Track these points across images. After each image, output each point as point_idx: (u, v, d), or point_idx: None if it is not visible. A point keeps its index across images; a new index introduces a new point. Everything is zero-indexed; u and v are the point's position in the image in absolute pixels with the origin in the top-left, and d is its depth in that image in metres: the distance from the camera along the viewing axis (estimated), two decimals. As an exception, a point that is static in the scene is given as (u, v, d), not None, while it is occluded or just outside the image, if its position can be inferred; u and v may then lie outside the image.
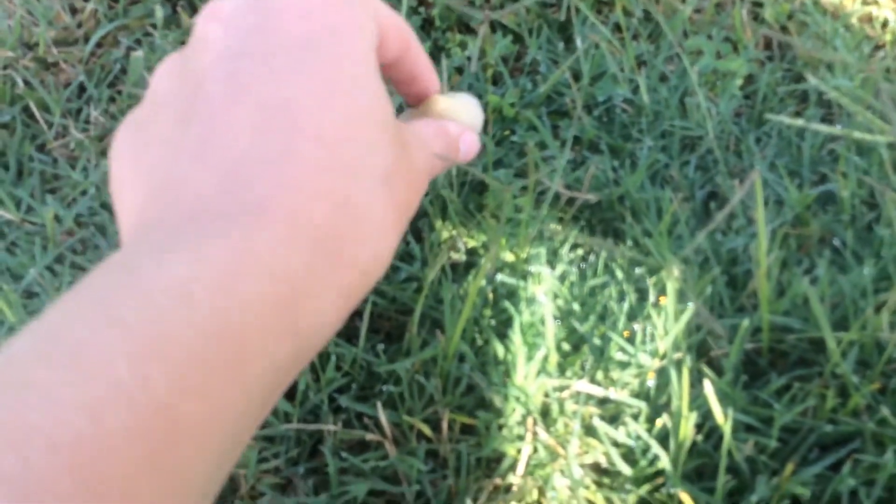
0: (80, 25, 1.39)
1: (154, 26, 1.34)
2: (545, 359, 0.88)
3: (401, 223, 0.39)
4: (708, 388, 0.78)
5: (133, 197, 0.35)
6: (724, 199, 1.06)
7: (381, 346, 0.91)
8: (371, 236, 0.36)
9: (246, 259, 0.30)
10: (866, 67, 1.17)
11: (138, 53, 1.26)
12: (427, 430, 0.86)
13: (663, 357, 0.86)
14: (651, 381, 0.86)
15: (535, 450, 0.85)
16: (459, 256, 1.01)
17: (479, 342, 0.93)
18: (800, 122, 0.89)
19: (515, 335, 0.89)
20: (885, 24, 1.25)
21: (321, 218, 0.34)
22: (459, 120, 1.00)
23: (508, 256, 1.00)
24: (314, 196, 0.34)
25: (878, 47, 1.23)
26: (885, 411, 0.81)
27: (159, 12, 1.32)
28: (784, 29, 1.27)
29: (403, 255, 1.02)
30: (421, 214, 1.07)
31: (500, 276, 0.96)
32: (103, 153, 1.21)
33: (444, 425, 0.87)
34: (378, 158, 0.37)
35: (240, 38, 0.36)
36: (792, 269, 0.95)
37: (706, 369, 0.84)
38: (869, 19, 1.26)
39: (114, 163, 0.38)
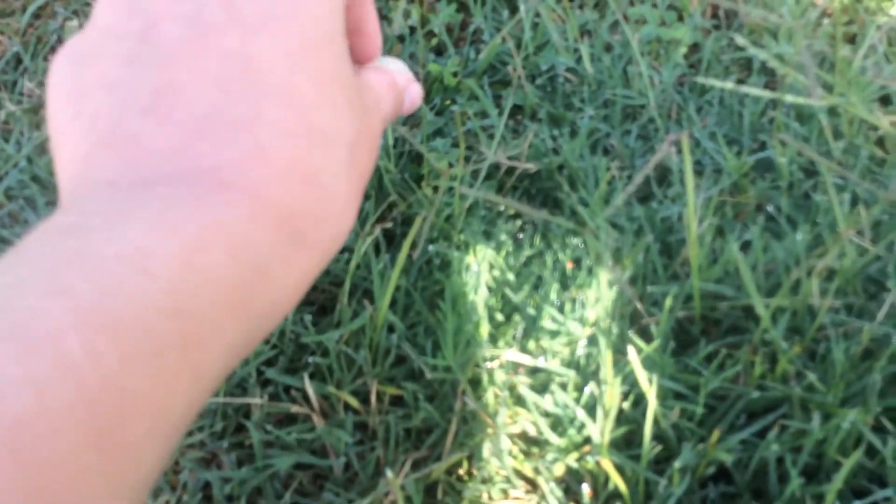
0: (16, -4, 1.36)
1: (91, -4, 1.30)
2: (476, 328, 0.87)
3: (360, 195, 0.37)
4: (632, 354, 0.77)
5: (74, 147, 0.32)
6: (665, 167, 1.05)
7: (308, 318, 0.89)
8: (335, 214, 0.34)
9: (209, 234, 0.29)
10: (810, 34, 1.16)
11: (74, 23, 1.23)
12: (355, 403, 0.85)
13: (593, 325, 0.85)
14: (581, 350, 0.85)
15: (465, 420, 0.84)
16: (395, 228, 1.00)
17: (411, 314, 0.91)
18: (730, 85, 0.88)
19: (447, 305, 0.87)
20: (832, -8, 1.24)
21: (288, 195, 0.32)
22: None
23: (444, 227, 0.98)
24: (282, 169, 0.32)
25: (824, 14, 1.22)
26: (812, 377, 0.80)
27: (96, -18, 1.29)
28: (731, -3, 1.26)
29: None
30: (357, 185, 1.05)
31: (432, 247, 0.95)
32: (38, 126, 1.18)
33: (373, 397, 0.85)
34: (344, 125, 0.35)
35: None
36: (727, 236, 0.94)
37: (634, 337, 0.83)
38: (816, -13, 1.25)
39: (52, 100, 0.34)
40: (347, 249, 0.97)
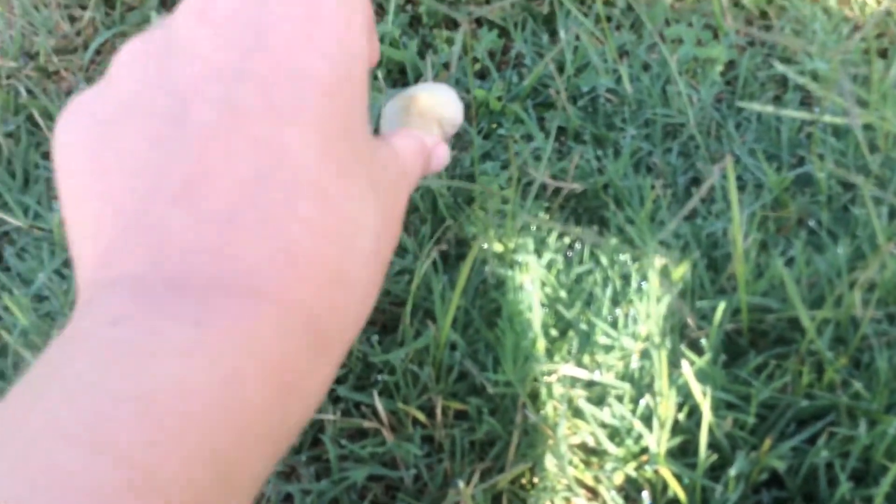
0: (78, 34, 1.43)
1: (150, 33, 1.37)
2: (533, 345, 0.92)
3: (382, 278, 0.36)
4: (686, 368, 0.82)
5: (97, 229, 0.30)
6: (707, 190, 1.09)
7: (375, 338, 0.95)
8: (356, 304, 0.33)
9: (244, 361, 0.27)
10: (844, 49, 1.20)
11: (135, 60, 1.30)
12: (422, 417, 0.90)
13: (645, 340, 0.90)
14: (635, 364, 0.90)
15: (526, 432, 0.89)
16: (449, 248, 1.05)
17: (470, 331, 0.97)
18: (770, 108, 0.92)
19: (504, 323, 0.93)
20: (863, 7, 1.28)
21: (316, 296, 0.30)
22: (442, 116, 1.03)
23: (497, 247, 1.04)
24: (312, 271, 0.30)
25: (856, 28, 1.25)
26: (858, 385, 0.84)
27: (155, 18, 1.36)
28: (764, 14, 1.30)
29: (398, 248, 1.06)
30: (412, 209, 1.10)
31: (488, 267, 1.00)
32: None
33: (438, 411, 0.91)
34: (371, 214, 0.34)
35: (237, 58, 0.31)
36: (770, 251, 0.98)
37: (686, 350, 0.88)
38: (847, 1, 1.28)
39: (66, 168, 0.32)
40: (407, 271, 1.03)
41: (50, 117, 1.32)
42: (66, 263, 1.10)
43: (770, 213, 1.04)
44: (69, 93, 1.36)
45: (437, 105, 1.10)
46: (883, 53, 1.21)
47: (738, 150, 1.11)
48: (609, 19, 1.29)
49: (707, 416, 0.81)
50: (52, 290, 1.05)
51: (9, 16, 1.46)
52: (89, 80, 1.36)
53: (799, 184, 1.07)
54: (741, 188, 1.07)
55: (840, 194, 1.04)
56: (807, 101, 1.18)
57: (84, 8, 1.43)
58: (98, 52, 1.42)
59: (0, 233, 1.18)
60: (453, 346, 0.94)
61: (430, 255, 1.01)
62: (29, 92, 1.34)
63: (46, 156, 1.29)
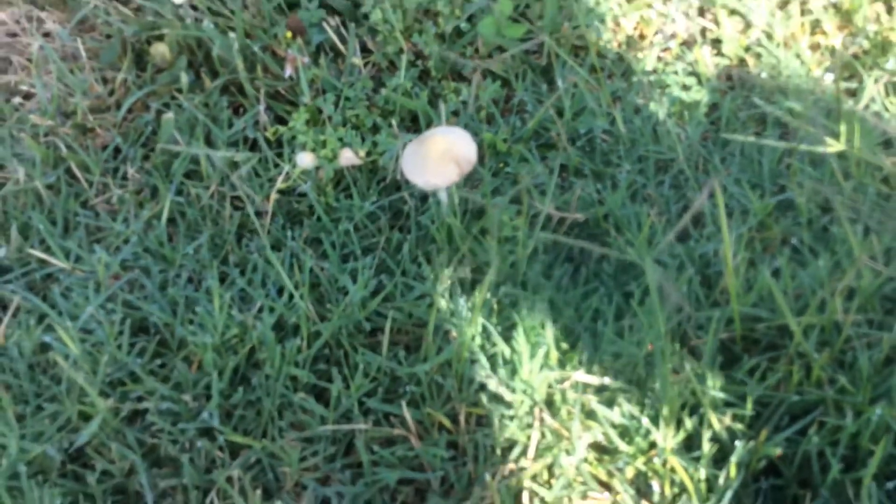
0: (111, 94, 1.55)
1: (180, 91, 1.49)
2: (546, 355, 1.01)
3: None
4: (688, 369, 0.91)
5: None
6: (698, 212, 1.20)
7: (402, 354, 1.04)
8: None
9: None
10: (816, 89, 1.32)
11: (169, 115, 1.41)
12: (447, 423, 0.98)
13: (649, 347, 0.99)
14: (641, 369, 0.99)
15: (543, 435, 0.97)
16: (465, 274, 1.15)
17: (488, 347, 1.05)
18: (751, 139, 1.03)
19: (520, 336, 1.02)
20: (832, 52, 1.41)
21: None
22: (459, 155, 1.15)
23: (509, 272, 1.13)
24: None
25: (827, 70, 1.38)
26: (843, 381, 0.93)
27: (184, 78, 1.48)
28: (742, 61, 1.42)
29: (416, 276, 1.15)
30: (430, 240, 1.20)
31: (502, 289, 1.09)
32: (141, 205, 1.35)
33: (462, 418, 0.99)
34: None
35: None
36: (758, 266, 1.08)
37: (686, 355, 0.97)
38: (818, 47, 1.42)
39: None
40: (427, 295, 1.12)
41: (87, 169, 1.43)
42: (111, 299, 1.19)
43: (756, 235, 1.14)
44: (104, 147, 1.47)
45: (453, 145, 1.23)
46: (853, 94, 1.33)
47: (724, 182, 1.21)
48: (602, 69, 1.42)
49: (708, 411, 0.90)
50: (99, 322, 1.14)
51: (46, 79, 1.57)
52: (124, 136, 1.46)
53: (781, 209, 1.18)
54: (729, 214, 1.17)
55: (819, 216, 1.15)
56: (784, 138, 1.29)
57: (117, 70, 1.55)
58: (130, 110, 1.53)
59: (44, 275, 1.27)
60: (473, 360, 1.02)
61: (448, 281, 1.11)
62: (68, 147, 1.45)
63: (84, 205, 1.39)
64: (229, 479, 0.97)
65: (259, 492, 0.94)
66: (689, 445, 0.94)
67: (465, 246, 1.13)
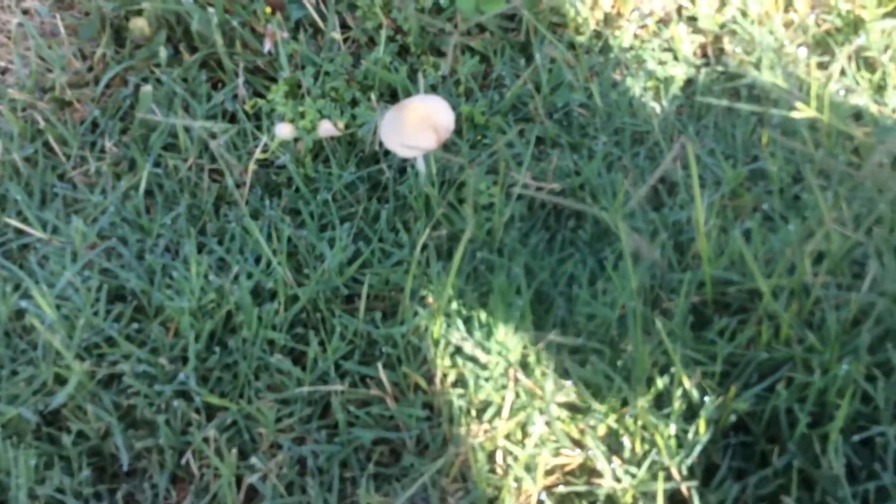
0: (90, 69, 1.54)
1: (158, 65, 1.49)
2: (522, 317, 1.02)
3: None
4: (658, 325, 0.92)
5: None
6: (672, 181, 1.21)
7: (379, 318, 1.04)
8: None
9: None
10: (789, 64, 1.34)
11: (147, 87, 1.41)
12: (423, 384, 0.99)
13: (622, 308, 1.00)
14: (614, 330, 1.00)
15: (517, 395, 0.98)
16: (442, 243, 1.16)
17: (464, 310, 1.06)
18: (724, 102, 1.05)
19: (496, 299, 1.03)
20: (806, 29, 1.43)
21: None
22: (438, 122, 1.15)
23: (486, 239, 1.14)
24: None
25: (800, 46, 1.40)
26: (812, 338, 0.95)
27: (163, 53, 1.48)
28: (717, 38, 1.44)
29: (394, 243, 1.16)
30: (408, 209, 1.21)
31: (479, 254, 1.10)
32: (118, 177, 1.35)
33: (438, 379, 1.00)
34: None
35: None
36: (730, 233, 1.10)
37: (659, 316, 0.98)
38: (791, 23, 1.44)
39: None
40: (405, 262, 1.12)
41: (65, 143, 1.42)
42: (88, 266, 1.19)
43: (728, 203, 1.16)
44: (82, 122, 1.46)
45: (432, 112, 1.24)
46: (824, 67, 1.35)
47: (698, 152, 1.23)
48: (579, 46, 1.43)
49: (678, 367, 0.91)
50: (76, 288, 1.14)
51: (24, 54, 1.57)
52: (102, 110, 1.46)
53: (753, 178, 1.19)
54: (702, 184, 1.19)
55: (790, 186, 1.17)
56: (757, 113, 1.31)
57: (96, 45, 1.54)
58: (108, 85, 1.53)
59: (21, 245, 1.27)
60: (449, 322, 1.03)
61: (424, 244, 1.12)
62: (46, 121, 1.44)
63: (62, 177, 1.38)
64: (205, 440, 0.97)
65: (235, 451, 0.95)
66: (661, 404, 0.95)
67: (439, 210, 1.14)
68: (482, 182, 1.20)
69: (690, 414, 0.94)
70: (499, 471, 0.95)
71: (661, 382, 0.95)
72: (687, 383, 0.93)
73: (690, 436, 0.91)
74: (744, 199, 1.16)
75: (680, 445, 0.91)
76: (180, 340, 1.06)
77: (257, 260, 1.16)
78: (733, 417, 0.92)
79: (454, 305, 1.05)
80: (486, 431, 0.97)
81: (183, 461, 0.97)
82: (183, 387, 1.01)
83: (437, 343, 1.02)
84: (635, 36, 1.46)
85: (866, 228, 1.07)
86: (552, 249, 1.13)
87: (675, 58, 1.41)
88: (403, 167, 1.28)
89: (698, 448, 0.90)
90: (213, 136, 1.35)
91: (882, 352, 0.93)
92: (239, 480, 0.95)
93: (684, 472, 0.89)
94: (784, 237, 1.06)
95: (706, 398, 0.91)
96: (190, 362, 1.03)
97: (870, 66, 1.35)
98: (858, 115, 1.27)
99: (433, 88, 1.39)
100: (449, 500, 0.92)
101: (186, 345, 1.05)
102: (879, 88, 1.31)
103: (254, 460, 0.94)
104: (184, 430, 1.00)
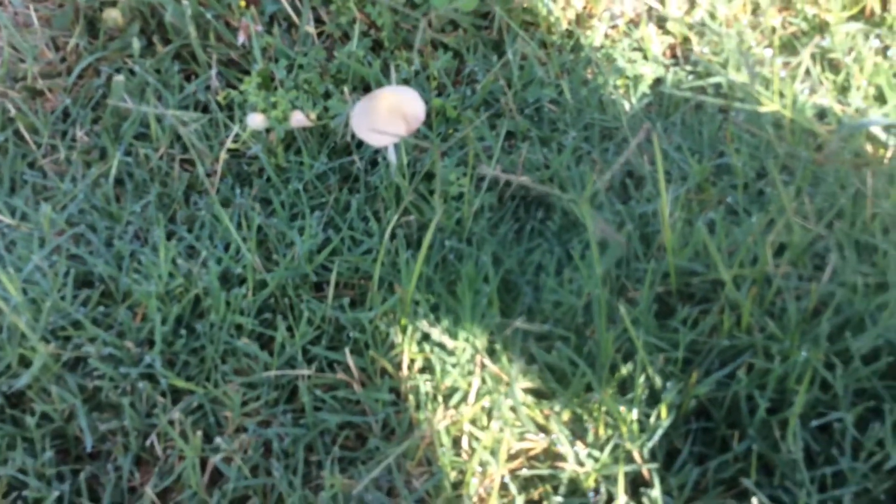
0: (63, 60, 1.54)
1: (131, 56, 1.49)
2: (489, 304, 1.03)
3: None
4: (623, 311, 0.93)
5: None
6: (639, 176, 1.23)
7: (346, 301, 1.05)
8: None
9: None
10: (755, 64, 1.37)
11: (119, 77, 1.41)
12: (390, 368, 1.00)
13: (587, 296, 1.02)
14: (580, 318, 1.01)
15: (484, 381, 0.99)
16: (412, 232, 1.16)
17: (434, 297, 1.07)
18: (688, 93, 1.07)
19: (463, 287, 1.03)
20: (773, 31, 1.46)
21: None
22: (407, 112, 1.16)
23: (456, 229, 1.15)
24: None
25: (767, 48, 1.43)
26: (772, 326, 0.97)
27: (136, 44, 1.47)
28: (686, 39, 1.47)
29: (364, 232, 1.17)
30: (379, 200, 1.22)
31: (448, 242, 1.11)
32: (89, 166, 1.34)
33: (405, 365, 1.00)
34: None
35: None
36: (695, 225, 1.11)
37: (624, 304, 0.99)
38: (758, 26, 1.46)
39: None
40: (374, 249, 1.13)
41: (36, 132, 1.41)
42: (56, 251, 1.18)
43: (694, 196, 1.18)
44: (54, 111, 1.46)
45: (402, 102, 1.24)
46: (790, 66, 1.38)
47: (666, 147, 1.25)
48: (551, 45, 1.45)
49: (641, 354, 0.93)
50: (44, 273, 1.13)
51: (-4, 44, 1.56)
52: (74, 100, 1.46)
53: (719, 174, 1.22)
54: (669, 180, 1.21)
55: (754, 181, 1.19)
56: (723, 110, 1.34)
57: (69, 36, 1.54)
58: (80, 75, 1.52)
59: (-12, 231, 1.26)
60: (417, 309, 1.04)
61: (394, 233, 1.12)
62: (17, 109, 1.44)
63: (32, 165, 1.38)
64: (171, 423, 0.97)
65: (200, 434, 0.95)
66: (625, 390, 0.97)
67: (408, 198, 1.15)
68: (452, 173, 1.21)
69: (653, 400, 0.95)
70: (464, 455, 0.95)
71: (625, 369, 0.96)
72: (650, 369, 0.95)
73: (652, 420, 0.92)
74: (709, 193, 1.18)
75: (642, 430, 0.93)
76: (147, 324, 1.06)
77: (227, 247, 1.16)
78: (694, 403, 0.94)
79: (422, 292, 1.06)
80: (451, 416, 0.97)
81: (147, 443, 0.97)
82: (149, 370, 1.01)
83: (404, 329, 1.03)
84: (606, 36, 1.48)
85: (827, 222, 1.09)
86: (521, 239, 1.14)
87: (645, 57, 1.44)
88: (375, 159, 1.28)
89: (659, 432, 0.91)
90: (185, 124, 1.35)
91: (841, 340, 0.95)
92: (204, 463, 0.95)
93: (646, 455, 0.90)
94: (747, 229, 1.08)
95: (668, 384, 0.93)
96: (156, 345, 1.02)
97: (834, 67, 1.38)
98: (822, 114, 1.30)
99: (406, 82, 1.40)
100: (413, 482, 0.92)
101: (153, 328, 1.04)
102: (843, 89, 1.34)
103: (218, 441, 0.94)
104: (149, 412, 0.99)
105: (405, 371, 1.00)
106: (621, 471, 0.87)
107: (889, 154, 1.22)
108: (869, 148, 1.25)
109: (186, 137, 1.30)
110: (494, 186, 1.23)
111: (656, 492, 0.86)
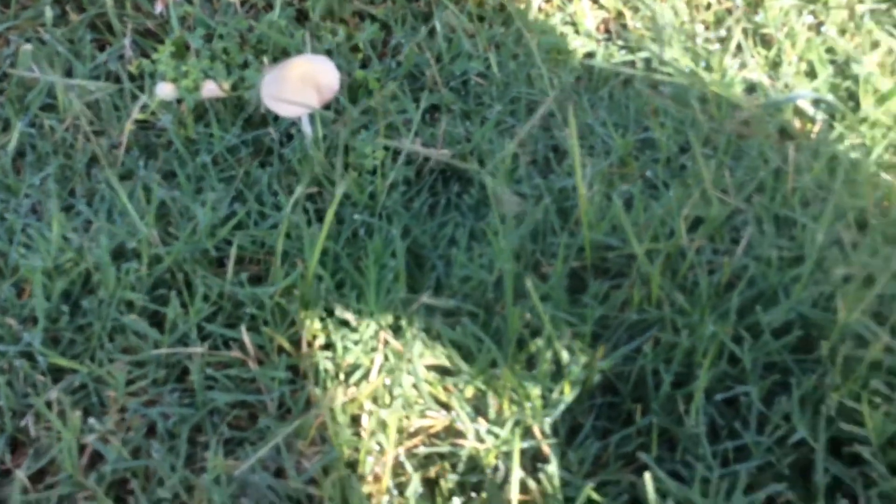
0: (-28, 28, 1.47)
1: (43, 25, 1.42)
2: (395, 279, 0.98)
3: None
4: (529, 285, 0.89)
5: None
6: (563, 150, 1.19)
7: (245, 276, 1.00)
8: None
9: None
10: (688, 40, 1.33)
11: (27, 46, 1.34)
12: (288, 346, 0.95)
13: (498, 271, 0.97)
14: (490, 294, 0.97)
15: (386, 358, 0.95)
16: (325, 206, 1.11)
17: (339, 273, 1.02)
18: (618, 67, 1.03)
19: (370, 261, 0.99)
20: (708, 6, 1.42)
21: None
22: (320, 82, 1.11)
23: (368, 203, 1.10)
24: None
25: (699, 23, 1.39)
26: (681, 300, 0.93)
27: (49, 13, 1.41)
28: (620, 14, 1.43)
29: (273, 206, 1.12)
30: (290, 172, 1.17)
31: (357, 216, 1.06)
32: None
33: (304, 342, 0.95)
34: None
35: None
36: (613, 199, 1.08)
37: (536, 279, 0.95)
38: (692, 1, 1.43)
39: None
40: (279, 223, 1.08)
41: (-61, 103, 1.34)
42: (-56, 225, 1.12)
43: (616, 170, 1.14)
44: (-40, 81, 1.39)
45: (315, 71, 1.19)
46: (722, 41, 1.35)
47: (591, 122, 1.21)
48: (482, 18, 1.41)
49: (548, 328, 0.88)
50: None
51: None
52: (-18, 71, 1.39)
53: (643, 148, 1.18)
54: (591, 154, 1.17)
55: (677, 155, 1.15)
56: (654, 85, 1.30)
57: (-20, 4, 1.47)
58: (-8, 46, 1.45)
59: None
60: (320, 284, 0.99)
61: (305, 208, 1.07)
62: (-81, 79, 1.36)
63: (-67, 138, 1.30)
64: (48, 403, 0.91)
65: (79, 415, 0.89)
66: (532, 366, 0.93)
67: (317, 169, 1.10)
68: (368, 146, 1.16)
69: (560, 376, 0.91)
70: (362, 433, 0.91)
71: (532, 345, 0.92)
72: (557, 344, 0.91)
73: (555, 396, 0.88)
74: (631, 167, 1.14)
75: (546, 406, 0.89)
76: (32, 301, 1.00)
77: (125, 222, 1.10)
78: (600, 378, 0.90)
79: (328, 268, 1.01)
80: (351, 394, 0.93)
81: (22, 424, 0.91)
82: (28, 348, 0.95)
83: (305, 305, 0.98)
84: (539, 9, 1.44)
85: (747, 196, 1.06)
86: (434, 213, 1.10)
87: (577, 31, 1.40)
88: (291, 132, 1.23)
89: (562, 407, 0.87)
90: (91, 94, 1.28)
91: (752, 314, 0.92)
92: (84, 446, 0.90)
93: (547, 431, 0.86)
94: (665, 203, 1.04)
95: (573, 359, 0.89)
96: (39, 322, 0.97)
97: (766, 42, 1.35)
98: (752, 89, 1.26)
99: (328, 53, 1.35)
100: (304, 462, 0.87)
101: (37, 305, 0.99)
102: (774, 64, 1.31)
103: (92, 421, 0.89)
104: (26, 392, 0.93)
105: (305, 348, 0.96)
106: (517, 446, 0.83)
107: (816, 128, 1.19)
108: (797, 123, 1.22)
109: (91, 108, 1.24)
110: (414, 160, 1.18)
111: (553, 467, 0.82)
